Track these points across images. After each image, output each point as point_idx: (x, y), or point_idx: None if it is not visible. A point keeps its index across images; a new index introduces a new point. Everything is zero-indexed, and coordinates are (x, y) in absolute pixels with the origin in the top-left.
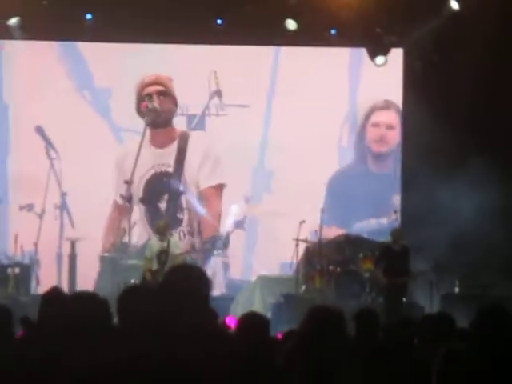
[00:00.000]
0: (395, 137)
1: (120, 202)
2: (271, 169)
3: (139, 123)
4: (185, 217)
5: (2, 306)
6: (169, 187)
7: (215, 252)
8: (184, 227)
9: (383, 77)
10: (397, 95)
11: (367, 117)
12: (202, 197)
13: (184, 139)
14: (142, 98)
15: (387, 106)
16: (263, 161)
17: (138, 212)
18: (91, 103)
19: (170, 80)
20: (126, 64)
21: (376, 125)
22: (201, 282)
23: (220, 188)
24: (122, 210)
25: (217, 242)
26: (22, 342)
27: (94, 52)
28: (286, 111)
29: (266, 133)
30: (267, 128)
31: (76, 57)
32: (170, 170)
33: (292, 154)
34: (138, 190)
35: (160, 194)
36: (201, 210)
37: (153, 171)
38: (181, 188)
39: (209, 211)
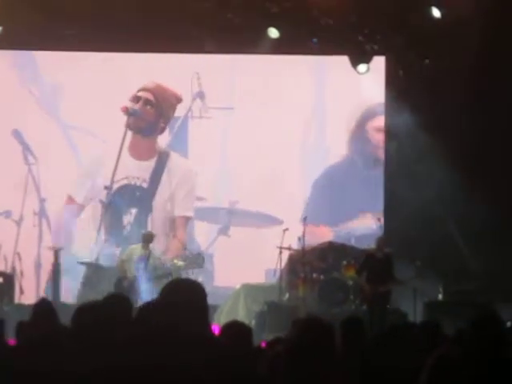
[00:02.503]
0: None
1: (76, 198)
2: (250, 173)
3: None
4: None
5: None
6: (140, 203)
7: (190, 271)
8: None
9: (365, 83)
10: (379, 101)
11: (365, 120)
12: (172, 223)
13: (163, 158)
14: (132, 98)
15: (382, 110)
16: (243, 167)
17: (90, 214)
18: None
19: (176, 99)
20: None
21: (380, 130)
22: (201, 294)
23: (188, 220)
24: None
25: (188, 261)
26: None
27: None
28: (261, 117)
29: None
30: (246, 134)
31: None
32: (145, 185)
33: (271, 159)
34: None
35: (127, 206)
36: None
37: (126, 181)
38: (151, 207)
39: (174, 239)
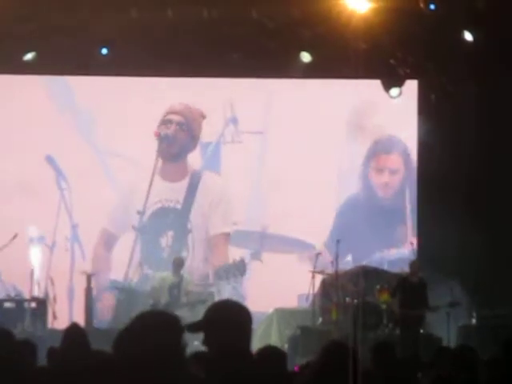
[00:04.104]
0: (400, 179)
1: (112, 230)
2: (282, 197)
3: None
4: (189, 256)
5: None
6: (175, 225)
7: (232, 280)
8: (187, 267)
9: (397, 108)
10: (412, 126)
11: (369, 158)
12: (211, 242)
13: (196, 178)
14: (161, 121)
15: (390, 148)
16: (275, 191)
17: (124, 240)
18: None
19: (201, 116)
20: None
21: (380, 171)
22: (245, 317)
23: (228, 236)
24: (112, 239)
25: (231, 270)
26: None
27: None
28: (289, 142)
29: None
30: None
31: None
32: (179, 206)
33: (303, 183)
34: (140, 221)
35: (163, 230)
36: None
37: (159, 205)
38: (188, 227)
39: (216, 257)
